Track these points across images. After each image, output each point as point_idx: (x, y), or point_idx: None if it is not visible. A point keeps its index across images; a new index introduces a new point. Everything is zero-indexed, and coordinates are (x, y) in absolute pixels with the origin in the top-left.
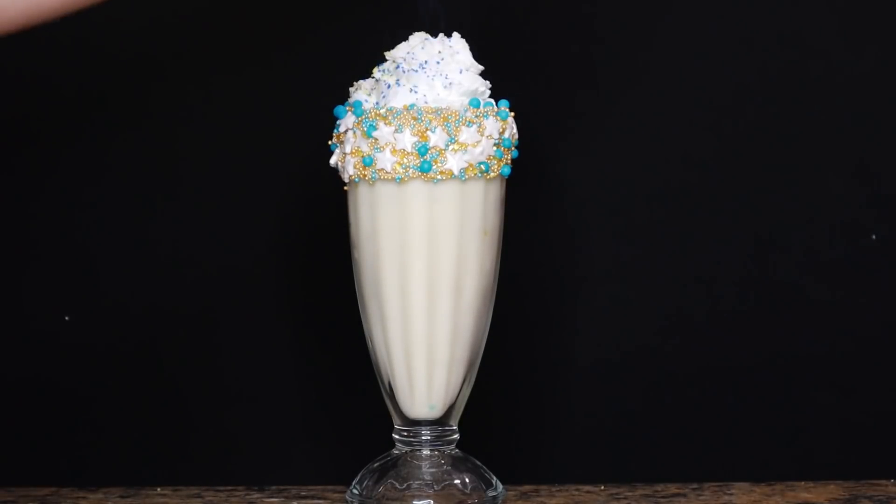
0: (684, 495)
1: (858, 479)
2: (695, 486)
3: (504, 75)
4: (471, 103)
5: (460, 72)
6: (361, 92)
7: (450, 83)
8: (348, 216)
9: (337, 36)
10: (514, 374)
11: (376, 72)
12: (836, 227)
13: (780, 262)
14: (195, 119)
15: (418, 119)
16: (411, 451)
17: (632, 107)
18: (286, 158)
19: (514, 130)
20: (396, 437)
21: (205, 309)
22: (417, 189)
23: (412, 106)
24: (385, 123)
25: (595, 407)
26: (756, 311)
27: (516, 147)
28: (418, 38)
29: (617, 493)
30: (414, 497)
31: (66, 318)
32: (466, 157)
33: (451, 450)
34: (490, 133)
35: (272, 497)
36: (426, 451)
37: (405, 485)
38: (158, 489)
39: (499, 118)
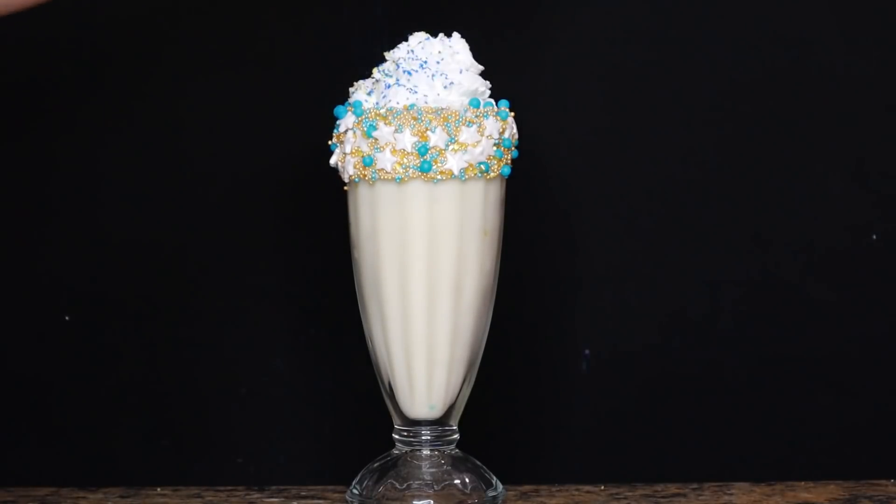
0: (684, 495)
1: (858, 479)
2: (695, 486)
3: (504, 75)
4: (471, 103)
5: (460, 72)
6: (361, 92)
7: (450, 83)
8: (348, 216)
9: (337, 36)
10: (514, 374)
11: (376, 72)
12: (836, 227)
13: (780, 263)
14: (195, 119)
15: (418, 119)
16: (411, 451)
17: (632, 107)
18: (286, 158)
19: (514, 130)
20: (396, 437)
21: (205, 309)
22: (417, 189)
23: (412, 106)
24: (385, 123)
25: (595, 407)
26: (756, 311)
27: (516, 147)
28: (418, 38)
29: (617, 493)
30: (414, 497)
31: (66, 318)
32: (466, 157)
33: (451, 450)
34: (490, 133)
35: (272, 497)
36: (426, 451)
37: (405, 485)
38: (158, 489)
39: (499, 118)
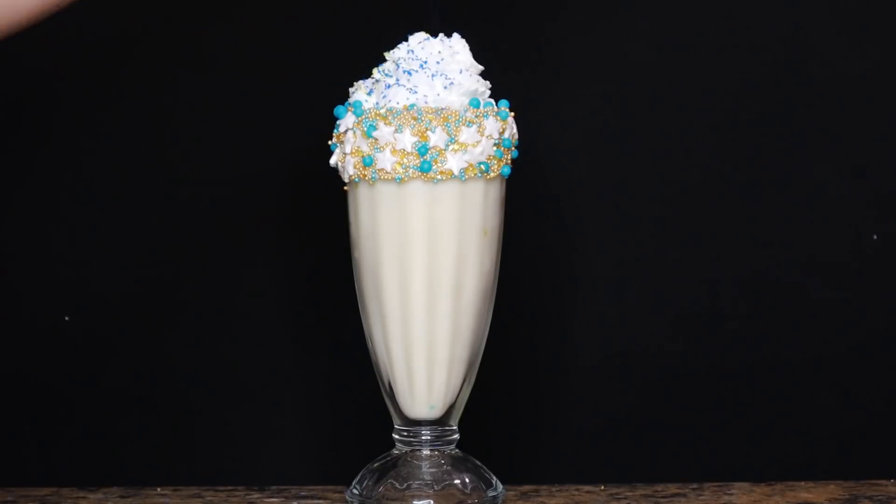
0: (684, 495)
1: (858, 479)
2: (695, 486)
3: (504, 75)
4: (471, 103)
5: (460, 72)
6: (361, 92)
7: (450, 83)
8: (348, 216)
9: (337, 36)
10: (514, 374)
11: (376, 72)
12: (836, 227)
13: (780, 262)
14: (195, 119)
15: (418, 119)
16: (411, 451)
17: (632, 107)
18: (286, 158)
19: (514, 130)
20: (396, 437)
21: (205, 308)
22: (417, 189)
23: (412, 106)
24: (385, 123)
25: (595, 407)
26: (756, 312)
27: (516, 147)
28: (418, 38)
29: (617, 493)
30: (414, 497)
31: (66, 318)
32: (466, 157)
33: (451, 450)
34: (490, 133)
35: (272, 497)
36: (426, 451)
37: (405, 485)
38: (158, 489)
39: (499, 118)
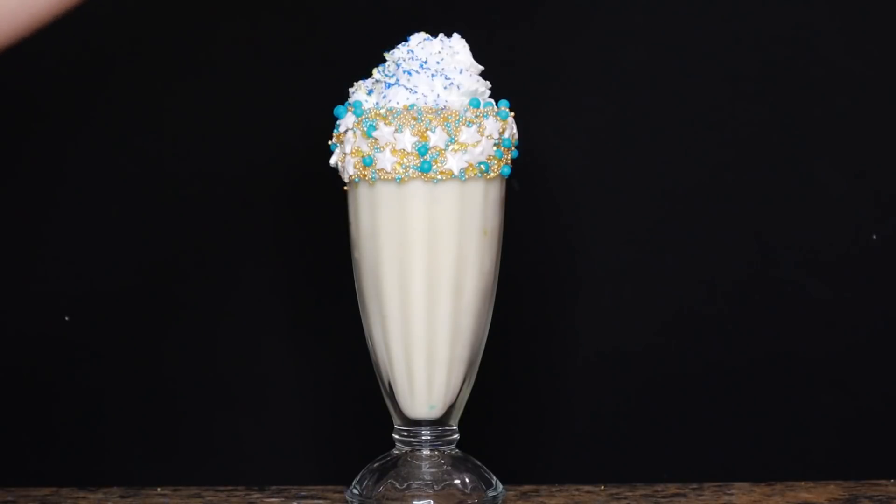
0: (684, 495)
1: (858, 479)
2: (695, 486)
3: (504, 75)
4: (471, 103)
5: (460, 72)
6: (361, 92)
7: (450, 83)
8: (348, 216)
9: (337, 36)
10: (514, 374)
11: (376, 72)
12: (836, 227)
13: (780, 262)
14: (195, 119)
15: (418, 119)
16: (411, 451)
17: (632, 107)
18: (286, 158)
19: (514, 130)
20: (396, 437)
21: (205, 309)
22: (417, 189)
23: (412, 106)
24: (385, 123)
25: (595, 407)
26: (756, 311)
27: (516, 147)
28: (418, 39)
29: (617, 493)
30: (414, 497)
31: (66, 318)
32: (466, 157)
33: (451, 450)
34: (490, 133)
35: (272, 497)
36: (426, 451)
37: (405, 485)
38: (158, 489)
39: (499, 118)
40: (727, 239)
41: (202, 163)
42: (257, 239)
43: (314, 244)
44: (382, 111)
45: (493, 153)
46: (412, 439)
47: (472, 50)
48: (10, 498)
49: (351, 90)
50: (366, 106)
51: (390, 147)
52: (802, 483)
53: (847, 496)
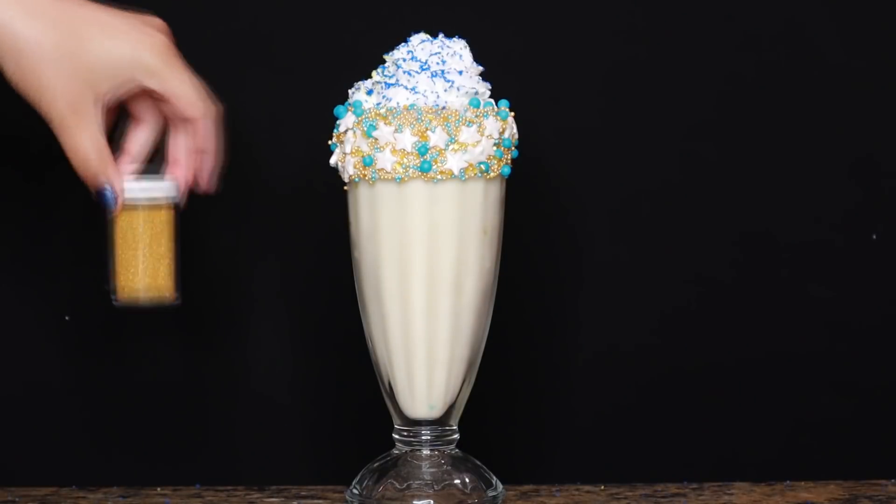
0: (684, 495)
1: (858, 479)
2: (695, 486)
3: (504, 75)
4: (471, 103)
5: (460, 73)
6: (361, 92)
7: (450, 83)
8: (348, 216)
9: (338, 36)
10: (514, 374)
11: (376, 74)
12: (836, 227)
13: (780, 262)
14: None
15: (418, 119)
16: (411, 451)
17: (632, 107)
18: (286, 158)
19: (514, 130)
20: (396, 437)
21: (205, 309)
22: (417, 189)
23: (412, 106)
24: (385, 123)
25: (595, 407)
26: (756, 311)
27: (516, 147)
28: (418, 39)
29: (617, 493)
30: (414, 497)
31: (66, 318)
32: (466, 156)
33: (451, 450)
34: (490, 133)
35: (272, 497)
36: (426, 451)
37: (405, 485)
38: (158, 489)
39: (499, 118)
40: (728, 239)
41: None
42: (257, 239)
43: (314, 244)
44: (382, 111)
45: (493, 153)
46: (412, 439)
47: (472, 51)
48: (10, 498)
49: (351, 91)
50: (366, 106)
51: (390, 147)
52: (802, 483)
53: (847, 496)
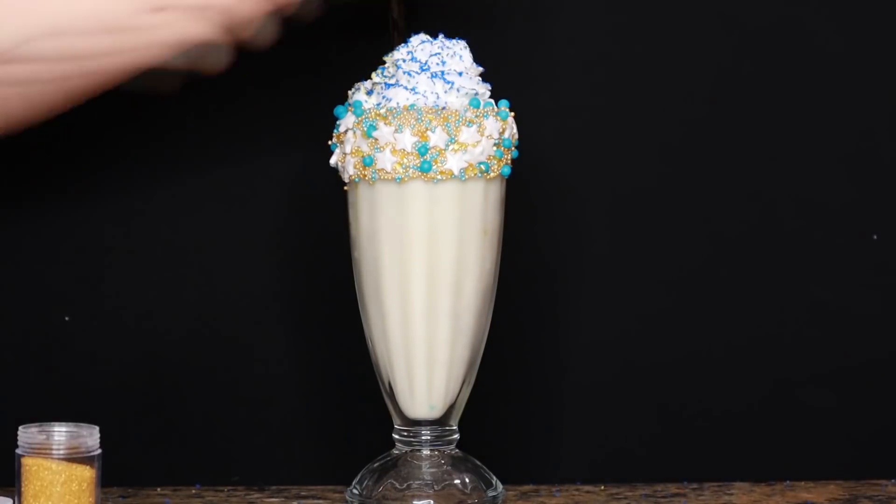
0: (684, 495)
1: (858, 479)
2: (695, 486)
3: (504, 75)
4: (471, 103)
5: (460, 73)
6: (361, 92)
7: (450, 84)
8: (348, 216)
9: (338, 36)
10: (514, 374)
11: (376, 75)
12: (836, 227)
13: (780, 262)
14: (195, 119)
15: (418, 119)
16: (411, 451)
17: (632, 106)
18: (286, 158)
19: (514, 130)
20: (396, 437)
21: (204, 308)
22: (417, 189)
23: (412, 106)
24: (385, 123)
25: (595, 407)
26: (756, 311)
27: (516, 147)
28: (418, 40)
29: (617, 493)
30: (414, 497)
31: (66, 318)
32: (466, 157)
33: (451, 450)
34: (490, 133)
35: (272, 497)
36: (426, 451)
37: (405, 485)
38: (158, 489)
39: (499, 118)
40: (729, 239)
41: (202, 163)
42: (257, 238)
43: (314, 244)
44: (382, 111)
45: (493, 153)
46: (412, 439)
47: (472, 51)
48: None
49: (350, 91)
50: (366, 106)
51: (390, 147)
52: (802, 483)
53: (847, 496)
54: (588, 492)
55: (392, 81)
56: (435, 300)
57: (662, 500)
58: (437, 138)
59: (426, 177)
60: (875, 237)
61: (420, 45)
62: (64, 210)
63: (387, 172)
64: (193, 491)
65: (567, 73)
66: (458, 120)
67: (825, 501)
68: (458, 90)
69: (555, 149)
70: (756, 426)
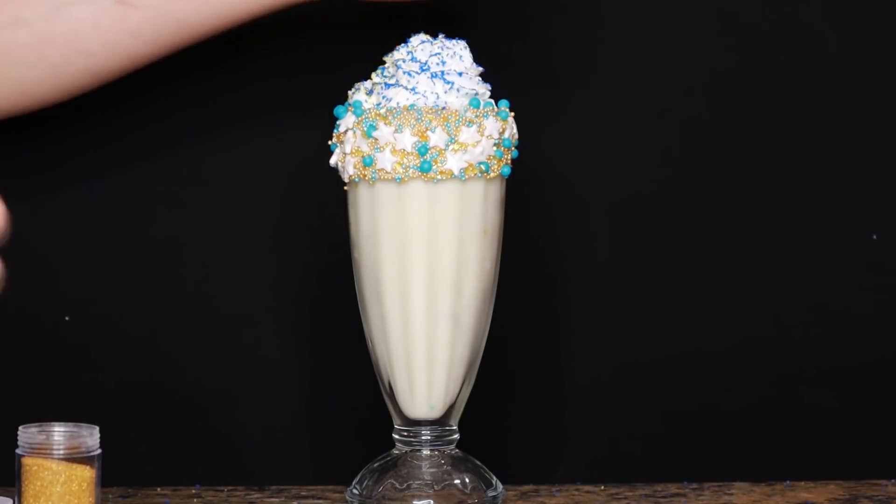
0: (684, 495)
1: (858, 479)
2: (695, 486)
3: (504, 75)
4: (471, 103)
5: (460, 73)
6: (361, 93)
7: (450, 84)
8: (348, 216)
9: (338, 36)
10: (513, 375)
11: (375, 76)
12: (835, 227)
13: (779, 262)
14: (195, 119)
15: (418, 119)
16: (411, 451)
17: (632, 107)
18: (286, 158)
19: (514, 130)
20: (396, 437)
21: (204, 308)
22: (417, 189)
23: (412, 106)
24: (385, 123)
25: (595, 407)
26: (756, 311)
27: (516, 147)
28: (418, 40)
29: (617, 493)
30: (414, 497)
31: (66, 318)
32: (466, 157)
33: (451, 450)
34: (490, 133)
35: (272, 497)
36: (426, 451)
37: (405, 485)
38: (158, 489)
39: (499, 118)
40: (729, 239)
41: (202, 162)
42: (257, 238)
43: (314, 244)
44: (382, 111)
45: (493, 153)
46: (412, 439)
47: (472, 51)
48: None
49: (350, 92)
50: (366, 106)
51: (390, 147)
52: (802, 483)
53: (847, 496)
54: (588, 492)
55: (392, 81)
56: (435, 300)
57: (662, 500)
58: (437, 138)
59: (426, 177)
60: (874, 237)
61: (420, 45)
62: (63, 210)
63: (387, 172)
64: (193, 491)
65: (567, 73)
66: (458, 120)
67: (825, 501)
68: (458, 90)
69: (555, 149)
70: (756, 426)
